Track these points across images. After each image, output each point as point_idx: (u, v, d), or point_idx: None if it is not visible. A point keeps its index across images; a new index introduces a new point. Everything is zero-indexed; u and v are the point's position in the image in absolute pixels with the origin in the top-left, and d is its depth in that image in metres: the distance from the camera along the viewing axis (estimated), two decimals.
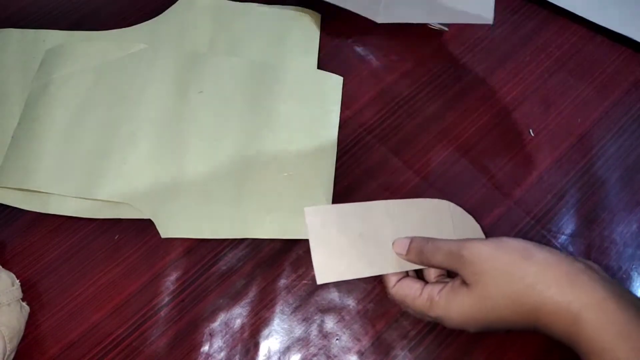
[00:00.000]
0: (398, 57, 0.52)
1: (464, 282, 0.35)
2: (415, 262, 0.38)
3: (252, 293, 0.42)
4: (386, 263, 0.38)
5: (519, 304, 0.32)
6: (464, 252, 0.34)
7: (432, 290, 0.36)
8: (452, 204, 0.41)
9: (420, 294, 0.36)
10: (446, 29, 0.53)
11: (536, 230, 0.44)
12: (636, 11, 0.53)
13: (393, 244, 0.39)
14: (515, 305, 0.33)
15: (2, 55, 0.52)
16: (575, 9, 0.53)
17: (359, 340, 0.40)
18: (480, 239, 0.36)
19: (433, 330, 0.41)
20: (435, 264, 0.37)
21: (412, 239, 0.38)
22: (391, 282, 0.38)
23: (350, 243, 0.38)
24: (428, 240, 0.37)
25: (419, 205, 0.41)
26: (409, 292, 0.37)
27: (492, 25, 0.50)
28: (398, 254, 0.38)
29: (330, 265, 0.38)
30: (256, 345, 0.40)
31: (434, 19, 0.52)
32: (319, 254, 0.38)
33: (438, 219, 0.40)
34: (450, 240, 0.37)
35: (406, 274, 0.39)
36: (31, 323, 0.41)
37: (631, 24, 0.52)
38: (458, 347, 0.40)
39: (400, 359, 0.40)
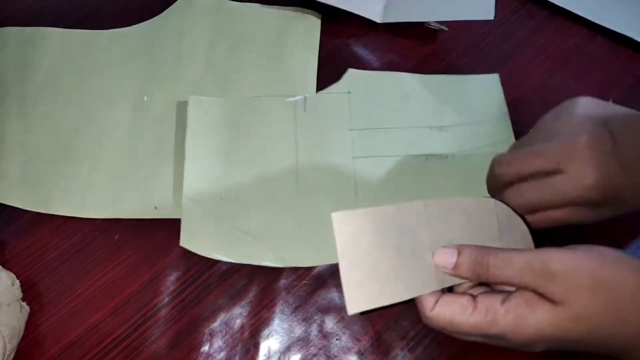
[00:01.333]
0: (398, 57, 0.52)
1: (542, 296, 0.29)
2: (467, 278, 0.31)
3: (252, 293, 0.42)
4: (426, 281, 0.31)
5: (627, 324, 0.28)
6: (553, 267, 0.28)
7: (492, 302, 0.30)
8: (498, 203, 0.34)
9: (475, 307, 0.30)
10: (445, 28, 0.53)
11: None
12: (636, 11, 0.53)
13: (434, 255, 0.32)
14: (623, 326, 0.28)
15: (0, 54, 0.52)
16: (576, 9, 0.53)
17: (358, 340, 0.41)
18: (567, 249, 0.30)
19: (432, 330, 0.40)
20: (502, 280, 0.30)
21: (462, 249, 0.31)
22: (429, 303, 0.31)
23: (387, 259, 0.31)
24: (487, 250, 0.31)
25: (460, 205, 0.33)
26: (457, 309, 0.30)
27: (493, 20, 0.50)
28: (442, 267, 0.31)
29: (364, 289, 0.30)
30: (256, 346, 0.40)
31: (435, 17, 0.52)
32: (351, 276, 0.30)
33: (482, 221, 0.33)
34: (520, 250, 0.30)
35: (442, 291, 0.32)
36: (31, 323, 0.41)
37: (631, 24, 0.52)
38: (458, 347, 0.40)
39: (400, 359, 0.40)
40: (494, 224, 0.33)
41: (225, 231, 0.43)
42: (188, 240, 0.42)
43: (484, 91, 0.49)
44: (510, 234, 0.34)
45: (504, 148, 0.41)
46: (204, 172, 0.44)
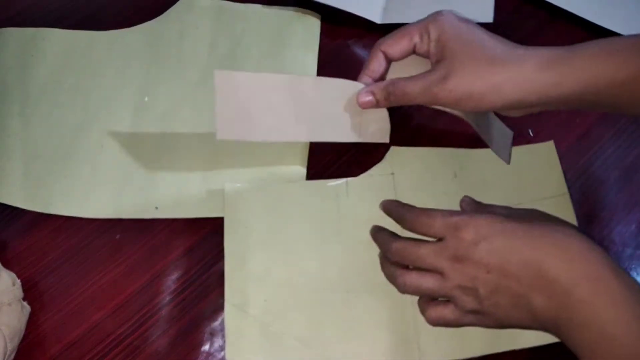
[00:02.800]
0: None
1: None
2: (384, 106, 0.41)
3: None
4: (291, 131, 0.42)
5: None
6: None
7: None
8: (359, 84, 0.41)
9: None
10: None
11: None
12: (635, 12, 0.53)
13: (358, 99, 0.40)
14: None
15: (1, 54, 0.52)
16: (575, 10, 0.53)
17: None
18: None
19: None
20: (407, 97, 0.39)
21: (372, 89, 0.40)
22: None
23: (258, 109, 0.40)
24: (391, 83, 0.39)
25: (333, 84, 0.41)
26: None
27: (492, 23, 0.50)
28: (366, 105, 0.40)
29: (234, 123, 0.40)
30: None
31: None
32: (224, 109, 0.39)
33: (347, 101, 0.41)
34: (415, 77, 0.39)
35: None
36: (32, 322, 0.41)
37: (630, 25, 0.52)
38: None
39: None
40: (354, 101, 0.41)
41: (272, 337, 0.40)
42: (234, 352, 0.39)
43: (539, 163, 0.46)
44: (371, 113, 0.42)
45: None
46: (245, 271, 0.41)
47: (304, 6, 0.54)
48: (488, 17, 0.50)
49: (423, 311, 0.37)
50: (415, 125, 0.48)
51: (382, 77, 0.42)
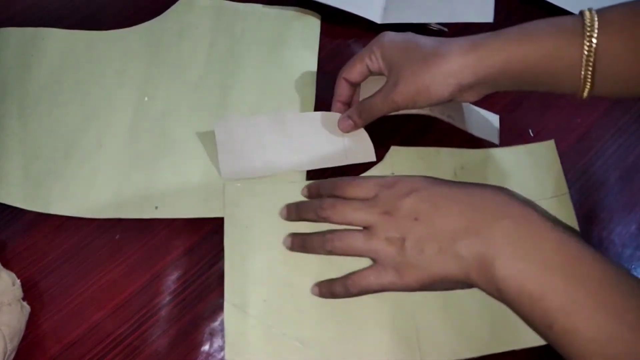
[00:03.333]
0: None
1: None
2: (362, 126, 0.45)
3: None
4: (285, 165, 0.45)
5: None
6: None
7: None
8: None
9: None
10: (445, 29, 0.53)
11: None
12: None
13: (339, 124, 0.45)
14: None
15: (1, 54, 0.52)
16: (574, 9, 0.53)
17: None
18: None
19: None
20: (374, 114, 0.43)
21: (348, 113, 0.45)
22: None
23: (254, 148, 0.45)
24: (361, 104, 0.44)
25: (314, 117, 0.46)
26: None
27: (492, 23, 0.50)
28: (347, 130, 0.45)
29: (235, 165, 0.44)
30: None
31: (435, 19, 0.52)
32: (225, 154, 0.44)
33: (330, 129, 0.46)
34: (377, 94, 0.43)
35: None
36: (32, 323, 0.41)
37: None
38: None
39: None
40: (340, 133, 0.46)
41: (272, 338, 0.40)
42: (234, 352, 0.39)
43: (539, 163, 0.46)
44: (355, 141, 0.46)
45: None
46: (244, 271, 0.41)
47: (304, 6, 0.54)
48: (488, 17, 0.50)
49: (347, 283, 0.38)
50: (415, 125, 0.48)
51: (351, 99, 0.46)
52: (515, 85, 0.39)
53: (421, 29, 0.53)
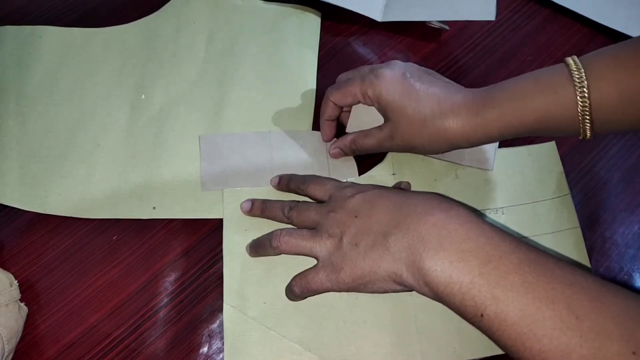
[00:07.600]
0: (399, 55, 0.52)
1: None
2: (350, 155, 0.46)
3: None
4: (262, 180, 0.45)
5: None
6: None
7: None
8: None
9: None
10: (447, 27, 0.53)
11: None
12: (637, 11, 0.53)
13: (329, 152, 0.46)
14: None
15: None
16: (577, 8, 0.53)
17: None
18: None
19: None
20: (365, 148, 0.44)
21: (338, 144, 0.45)
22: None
23: (235, 163, 0.45)
24: (351, 137, 0.44)
25: (299, 136, 0.47)
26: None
27: (494, 21, 0.49)
28: (337, 156, 0.46)
29: (216, 177, 0.45)
30: None
31: (436, 17, 0.52)
32: (207, 165, 0.45)
33: (314, 148, 0.47)
34: (369, 130, 0.43)
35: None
36: (29, 324, 0.41)
37: (632, 23, 0.52)
38: None
39: None
40: (323, 149, 0.47)
41: (271, 340, 0.39)
42: (233, 354, 0.39)
43: (540, 164, 0.46)
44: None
45: (567, 237, 0.41)
46: (244, 273, 0.41)
47: (304, 3, 0.54)
48: (490, 15, 0.50)
49: (291, 284, 0.39)
50: None
51: (338, 118, 0.46)
52: (514, 137, 0.40)
53: (422, 26, 0.53)
